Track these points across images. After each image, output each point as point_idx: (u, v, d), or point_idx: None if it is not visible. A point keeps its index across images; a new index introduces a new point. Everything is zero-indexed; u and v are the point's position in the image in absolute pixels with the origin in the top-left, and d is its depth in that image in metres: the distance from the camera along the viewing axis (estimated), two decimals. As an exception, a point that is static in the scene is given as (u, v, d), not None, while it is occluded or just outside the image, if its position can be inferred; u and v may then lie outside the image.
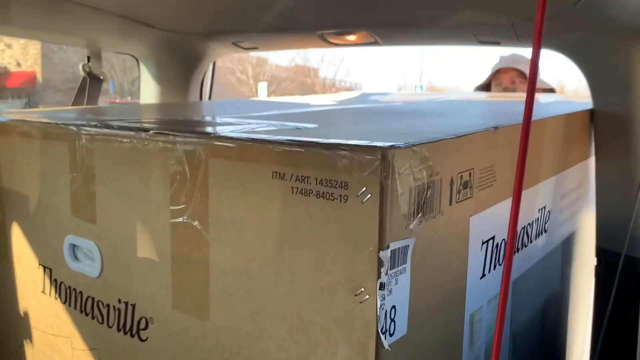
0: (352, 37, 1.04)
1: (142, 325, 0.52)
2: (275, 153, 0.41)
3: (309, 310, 0.41)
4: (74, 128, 0.55)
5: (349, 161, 0.37)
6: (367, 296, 0.37)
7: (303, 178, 0.39)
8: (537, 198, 0.63)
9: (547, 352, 0.78)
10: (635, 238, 0.76)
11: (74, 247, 0.57)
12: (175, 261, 0.49)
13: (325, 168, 0.38)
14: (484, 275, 0.52)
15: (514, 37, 0.90)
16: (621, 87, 0.77)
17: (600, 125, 0.80)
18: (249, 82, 13.99)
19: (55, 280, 0.59)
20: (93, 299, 0.56)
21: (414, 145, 0.38)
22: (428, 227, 0.41)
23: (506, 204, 0.52)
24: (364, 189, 0.37)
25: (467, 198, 0.46)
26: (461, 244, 0.47)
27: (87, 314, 0.56)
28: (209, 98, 1.35)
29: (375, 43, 1.06)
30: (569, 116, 0.75)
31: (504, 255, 0.54)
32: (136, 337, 0.52)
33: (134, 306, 0.52)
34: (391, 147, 0.36)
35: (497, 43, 0.97)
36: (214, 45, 1.21)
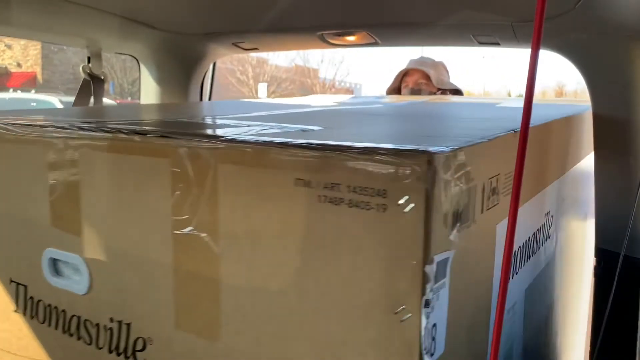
0: (351, 38, 1.05)
1: (139, 347, 0.48)
2: (299, 158, 0.37)
3: (339, 330, 0.38)
4: (53, 129, 0.50)
5: (388, 167, 0.34)
6: (409, 314, 0.35)
7: (332, 185, 0.36)
8: (544, 203, 0.61)
9: None
10: (634, 238, 0.76)
11: (54, 261, 0.52)
12: (178, 276, 0.45)
13: (360, 175, 0.35)
14: None
15: (513, 37, 0.90)
16: (621, 88, 0.77)
17: (599, 125, 0.80)
18: (249, 83, 14.01)
19: (32, 298, 0.54)
20: (79, 317, 0.51)
21: (456, 150, 0.36)
22: (464, 237, 0.38)
23: (525, 209, 0.51)
24: (407, 197, 0.34)
25: (495, 205, 0.44)
26: (489, 254, 0.46)
27: (71, 335, 0.52)
28: (209, 98, 1.35)
29: (374, 43, 1.06)
30: (569, 119, 0.74)
31: (520, 263, 0.54)
32: (132, 359, 0.48)
33: (129, 325, 0.48)
34: (438, 152, 0.34)
35: (497, 43, 0.97)
36: (214, 45, 1.21)
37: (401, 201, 0.34)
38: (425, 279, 0.34)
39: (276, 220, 0.39)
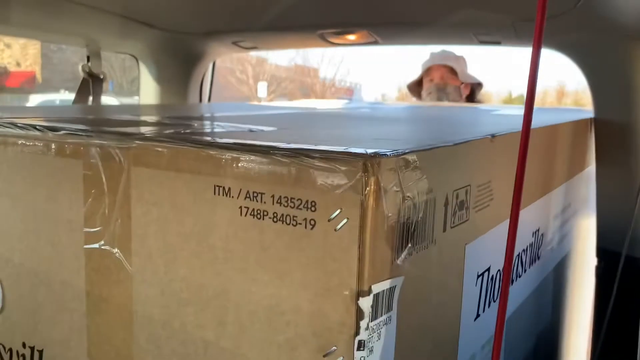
0: (352, 37, 1.04)
1: None
2: (218, 161, 0.32)
3: None
4: None
5: (318, 173, 0.28)
6: (341, 358, 0.29)
7: (255, 195, 0.30)
8: (531, 220, 0.55)
9: None
10: (635, 238, 0.76)
11: None
12: (90, 298, 0.39)
13: (286, 182, 0.29)
14: (477, 316, 0.43)
15: (515, 36, 0.90)
16: (621, 87, 0.77)
17: (600, 125, 0.80)
18: (249, 82, 13.99)
19: None
20: None
21: (404, 154, 0.30)
22: (419, 260, 0.32)
23: (503, 228, 0.45)
24: (338, 211, 0.28)
25: (463, 222, 0.37)
26: (455, 280, 0.39)
27: None
28: (209, 98, 1.35)
29: (375, 42, 1.06)
30: (578, 122, 0.71)
31: (499, 288, 0.47)
32: None
33: (41, 352, 0.43)
34: (375, 154, 0.28)
35: (498, 42, 0.97)
36: (214, 44, 1.21)
37: (332, 216, 0.28)
38: (359, 314, 0.28)
39: (193, 236, 0.33)
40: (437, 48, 1.58)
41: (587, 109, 0.86)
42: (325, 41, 1.07)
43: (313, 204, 0.29)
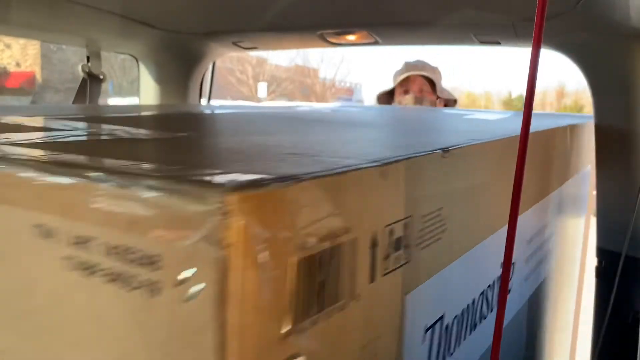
0: (352, 37, 1.04)
1: None
2: (37, 188, 0.22)
3: None
4: None
5: (161, 214, 0.19)
6: None
7: (84, 241, 0.21)
8: (499, 249, 0.40)
9: None
10: (635, 238, 0.76)
11: None
12: None
13: (119, 224, 0.20)
14: None
15: (514, 36, 0.90)
16: (621, 87, 0.77)
17: (601, 126, 0.80)
18: (249, 82, 13.99)
19: None
20: None
21: (302, 180, 0.20)
22: (331, 327, 0.23)
23: (460, 264, 0.36)
24: (192, 271, 0.18)
25: (401, 265, 0.28)
26: (390, 342, 0.29)
27: None
28: (209, 98, 1.35)
29: (375, 43, 1.06)
30: (564, 129, 0.64)
31: (457, 338, 0.37)
32: None
33: None
34: (249, 184, 0.19)
35: (497, 43, 0.97)
36: (214, 45, 1.21)
37: (181, 277, 0.18)
38: None
39: (12, 295, 0.25)
40: (437, 48, 1.55)
41: (559, 113, 0.84)
42: (325, 41, 1.07)
43: (157, 258, 0.19)
